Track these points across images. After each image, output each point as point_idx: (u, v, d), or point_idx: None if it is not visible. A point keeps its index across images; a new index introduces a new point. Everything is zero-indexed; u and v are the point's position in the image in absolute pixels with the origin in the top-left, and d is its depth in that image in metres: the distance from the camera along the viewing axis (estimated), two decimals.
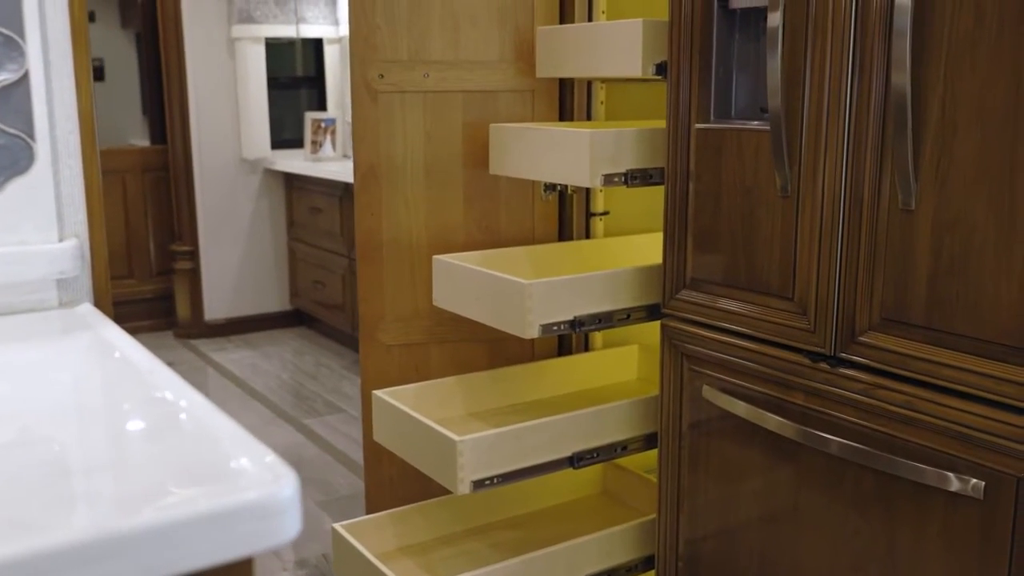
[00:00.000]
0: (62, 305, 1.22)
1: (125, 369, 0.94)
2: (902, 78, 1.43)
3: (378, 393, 2.18)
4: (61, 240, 1.21)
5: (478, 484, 1.92)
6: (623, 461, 2.46)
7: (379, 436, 2.19)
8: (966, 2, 1.36)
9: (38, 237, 1.19)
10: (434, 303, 2.21)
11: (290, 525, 0.64)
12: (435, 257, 2.19)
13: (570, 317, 1.97)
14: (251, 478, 0.66)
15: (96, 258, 1.25)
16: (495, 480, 1.93)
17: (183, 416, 0.79)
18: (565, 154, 1.99)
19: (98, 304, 1.25)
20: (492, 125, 2.23)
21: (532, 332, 1.93)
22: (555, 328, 1.95)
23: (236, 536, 0.62)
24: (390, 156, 2.34)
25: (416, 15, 2.30)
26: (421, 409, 2.17)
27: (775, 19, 1.60)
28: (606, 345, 2.57)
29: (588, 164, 1.93)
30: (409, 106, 2.34)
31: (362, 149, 2.34)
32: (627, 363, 2.55)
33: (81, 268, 1.22)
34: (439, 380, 2.28)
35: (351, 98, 2.33)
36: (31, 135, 1.17)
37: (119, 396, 0.88)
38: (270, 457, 0.68)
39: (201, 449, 0.72)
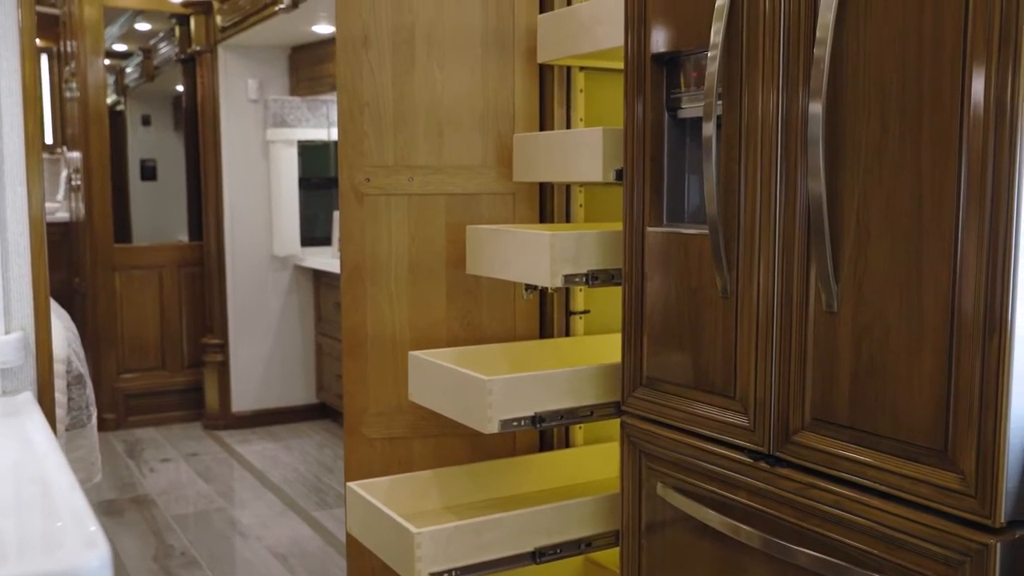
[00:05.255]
0: (5, 393, 1.31)
1: (26, 453, 1.02)
2: (818, 185, 1.48)
3: (352, 485, 2.23)
4: (7, 332, 1.31)
5: None
6: (601, 558, 2.46)
7: (352, 528, 2.23)
8: (872, 111, 1.43)
9: None
10: (409, 398, 2.28)
11: None
12: (410, 353, 2.26)
13: (531, 413, 2.01)
14: (67, 550, 0.72)
15: (41, 350, 1.34)
16: (453, 573, 1.96)
17: (44, 494, 0.86)
18: (529, 254, 2.07)
19: (42, 392, 1.35)
20: (468, 227, 2.33)
21: (492, 427, 1.97)
22: (515, 424, 2.00)
23: None
24: (375, 255, 2.45)
25: (402, 122, 2.43)
26: (395, 502, 2.22)
27: (708, 129, 1.67)
28: (588, 441, 2.59)
29: (548, 264, 2.00)
30: (394, 208, 2.45)
31: (348, 248, 2.44)
32: (608, 459, 2.57)
33: (25, 359, 1.32)
34: (415, 473, 2.33)
35: (339, 200, 2.45)
36: None
37: (7, 477, 0.95)
38: (94, 530, 0.74)
39: (42, 523, 0.79)
